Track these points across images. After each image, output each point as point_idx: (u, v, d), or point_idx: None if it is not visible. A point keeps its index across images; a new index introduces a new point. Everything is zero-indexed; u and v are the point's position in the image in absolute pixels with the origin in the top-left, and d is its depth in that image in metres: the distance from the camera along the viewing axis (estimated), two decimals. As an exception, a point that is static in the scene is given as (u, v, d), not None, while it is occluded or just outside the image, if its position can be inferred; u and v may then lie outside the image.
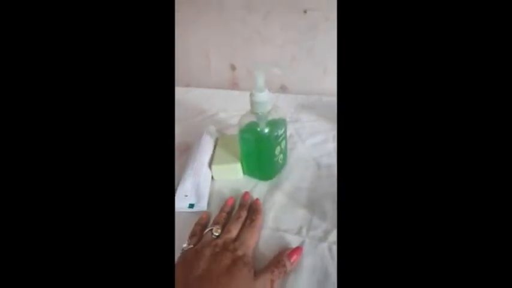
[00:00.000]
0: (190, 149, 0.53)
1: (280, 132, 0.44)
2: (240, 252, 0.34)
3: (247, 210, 0.41)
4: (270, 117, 0.43)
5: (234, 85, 0.81)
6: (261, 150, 0.45)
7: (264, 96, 0.41)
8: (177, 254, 0.36)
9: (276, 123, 0.44)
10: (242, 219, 0.40)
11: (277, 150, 0.45)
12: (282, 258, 0.35)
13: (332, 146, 0.54)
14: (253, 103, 0.42)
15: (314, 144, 0.54)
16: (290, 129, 0.59)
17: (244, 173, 0.48)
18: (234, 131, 0.57)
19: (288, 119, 0.61)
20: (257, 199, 0.43)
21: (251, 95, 0.41)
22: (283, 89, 0.78)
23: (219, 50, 0.77)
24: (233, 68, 0.79)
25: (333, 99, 0.69)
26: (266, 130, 0.43)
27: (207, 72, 0.81)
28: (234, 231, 0.38)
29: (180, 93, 0.74)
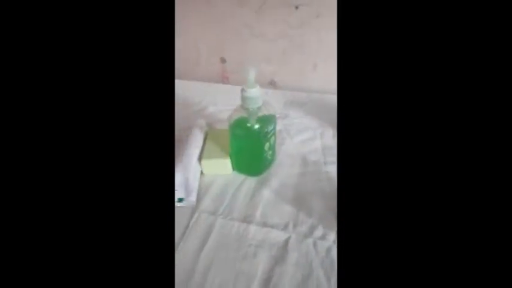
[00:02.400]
0: (179, 142, 0.53)
1: (270, 128, 0.45)
2: None
3: None
4: (260, 113, 0.44)
5: (224, 78, 0.81)
6: (250, 146, 0.45)
7: (255, 92, 0.41)
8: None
9: (267, 120, 0.44)
10: None
11: (267, 146, 0.46)
12: None
13: (319, 143, 0.55)
14: (244, 98, 0.42)
15: (302, 141, 0.55)
16: (279, 125, 0.59)
17: (233, 168, 0.49)
18: (224, 126, 0.57)
19: (277, 115, 0.62)
20: None
21: (242, 90, 0.42)
22: (272, 84, 0.79)
23: (209, 43, 0.77)
24: (223, 61, 0.79)
25: (322, 96, 0.70)
26: (256, 126, 0.43)
27: (197, 65, 0.80)
28: None
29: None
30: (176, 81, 0.76)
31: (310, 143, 0.55)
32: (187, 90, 0.72)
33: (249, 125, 0.44)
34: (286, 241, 0.39)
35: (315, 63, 0.73)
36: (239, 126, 0.44)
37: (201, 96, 0.69)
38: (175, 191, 0.44)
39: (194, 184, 0.45)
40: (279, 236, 0.40)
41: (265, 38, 0.72)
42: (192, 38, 0.76)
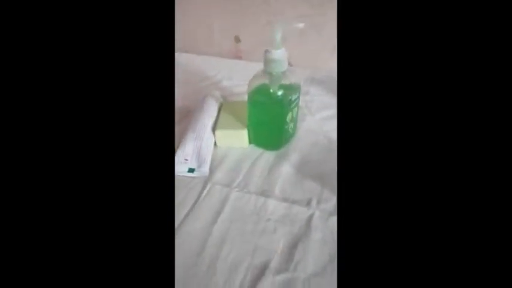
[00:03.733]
0: (191, 112, 0.49)
1: (294, 97, 0.41)
2: None
3: None
4: (283, 81, 0.40)
5: (237, 58, 0.77)
6: (271, 116, 0.41)
7: (280, 54, 0.37)
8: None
9: (291, 88, 0.40)
10: None
11: (289, 117, 0.42)
12: None
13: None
14: (267, 61, 0.38)
15: (324, 118, 0.51)
16: (300, 101, 0.55)
17: (250, 141, 0.45)
18: (239, 99, 0.53)
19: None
20: None
21: (266, 51, 0.38)
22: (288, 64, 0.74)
23: (224, 20, 0.73)
24: (237, 40, 0.75)
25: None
26: (279, 93, 0.39)
27: (210, 42, 0.77)
28: None
29: (186, 59, 0.69)
30: (188, 55, 0.73)
31: (332, 120, 0.50)
32: (202, 64, 0.69)
33: (271, 91, 0.39)
34: (310, 218, 0.35)
35: (333, 47, 0.69)
36: (260, 93, 0.40)
37: (216, 70, 0.65)
38: (186, 161, 0.40)
39: (207, 155, 0.41)
40: (301, 212, 0.35)
41: (282, 18, 0.68)
42: (206, 14, 0.73)
